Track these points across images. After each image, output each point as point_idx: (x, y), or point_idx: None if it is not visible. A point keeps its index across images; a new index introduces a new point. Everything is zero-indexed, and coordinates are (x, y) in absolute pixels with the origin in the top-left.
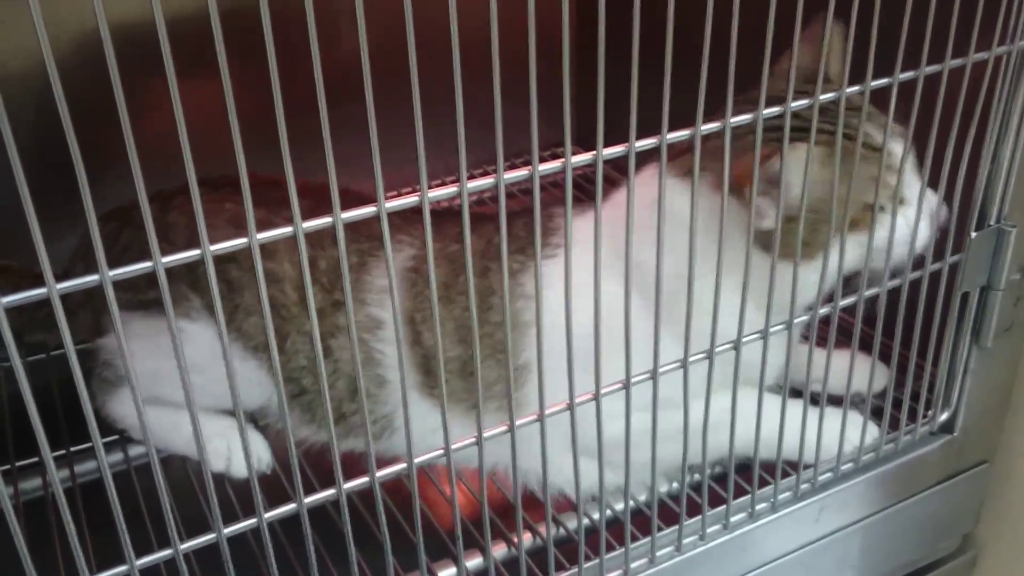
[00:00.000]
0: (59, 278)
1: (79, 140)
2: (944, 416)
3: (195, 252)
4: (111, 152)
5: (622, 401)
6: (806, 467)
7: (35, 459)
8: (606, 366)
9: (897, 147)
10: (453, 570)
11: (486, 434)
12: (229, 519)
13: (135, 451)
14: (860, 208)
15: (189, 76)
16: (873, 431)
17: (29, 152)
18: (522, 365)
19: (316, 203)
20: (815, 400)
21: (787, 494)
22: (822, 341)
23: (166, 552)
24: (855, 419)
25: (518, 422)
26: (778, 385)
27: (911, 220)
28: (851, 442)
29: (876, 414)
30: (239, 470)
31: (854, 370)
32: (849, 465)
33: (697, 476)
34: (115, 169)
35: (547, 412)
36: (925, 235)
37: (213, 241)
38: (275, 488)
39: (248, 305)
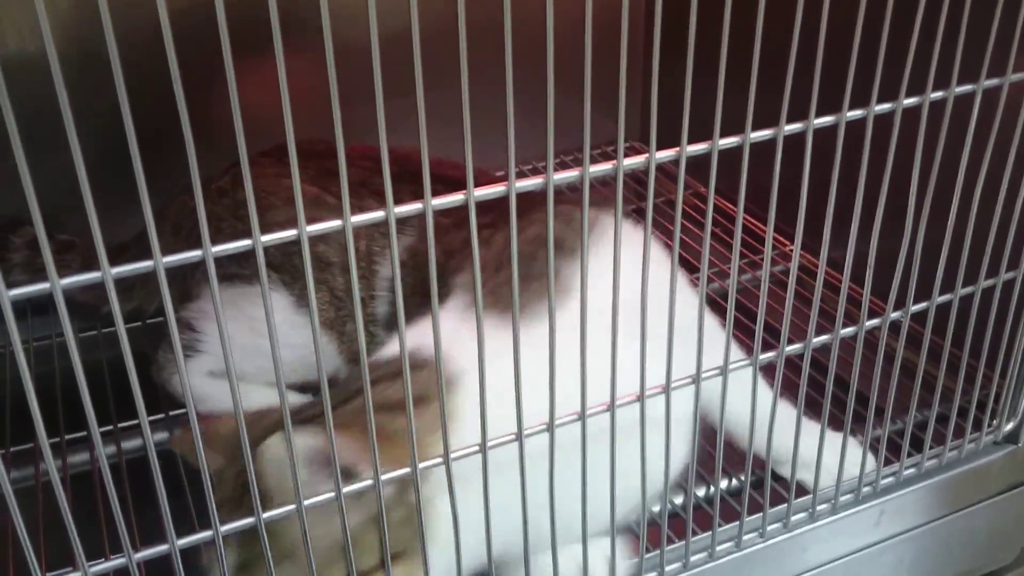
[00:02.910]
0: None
1: (154, 118)
2: (1009, 426)
3: (292, 232)
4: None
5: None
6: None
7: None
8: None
9: None
10: None
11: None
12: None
13: None
14: None
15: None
16: (871, 463)
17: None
18: None
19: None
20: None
21: (848, 496)
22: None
23: (248, 520)
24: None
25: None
26: None
27: None
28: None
29: (941, 421)
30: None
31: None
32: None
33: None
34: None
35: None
36: None
37: (272, 219)
38: None
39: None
